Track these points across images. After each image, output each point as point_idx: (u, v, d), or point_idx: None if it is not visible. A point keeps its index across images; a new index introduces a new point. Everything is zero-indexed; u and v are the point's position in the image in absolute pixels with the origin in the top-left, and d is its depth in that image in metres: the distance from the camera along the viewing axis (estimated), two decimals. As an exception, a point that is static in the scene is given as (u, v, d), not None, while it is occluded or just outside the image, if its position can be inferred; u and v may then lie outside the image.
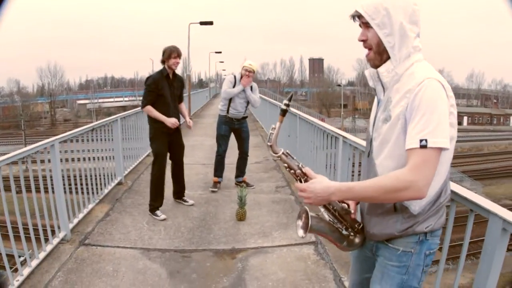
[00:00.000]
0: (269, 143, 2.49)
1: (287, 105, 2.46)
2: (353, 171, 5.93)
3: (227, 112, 8.79)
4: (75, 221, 6.58)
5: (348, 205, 2.57)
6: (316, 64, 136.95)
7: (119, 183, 9.05)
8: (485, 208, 2.65)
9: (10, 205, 4.74)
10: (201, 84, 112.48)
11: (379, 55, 2.30)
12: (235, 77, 8.77)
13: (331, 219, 2.55)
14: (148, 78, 7.14)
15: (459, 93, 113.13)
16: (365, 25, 2.29)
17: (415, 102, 2.11)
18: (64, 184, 6.16)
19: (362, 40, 2.33)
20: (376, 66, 2.34)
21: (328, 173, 7.10)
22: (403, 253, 2.36)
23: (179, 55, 7.05)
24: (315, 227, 2.45)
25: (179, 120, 7.34)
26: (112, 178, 8.75)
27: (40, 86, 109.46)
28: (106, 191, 8.20)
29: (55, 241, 5.87)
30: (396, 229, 2.33)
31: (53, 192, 5.94)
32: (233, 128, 8.96)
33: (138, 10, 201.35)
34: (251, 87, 8.84)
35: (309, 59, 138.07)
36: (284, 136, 11.61)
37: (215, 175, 9.01)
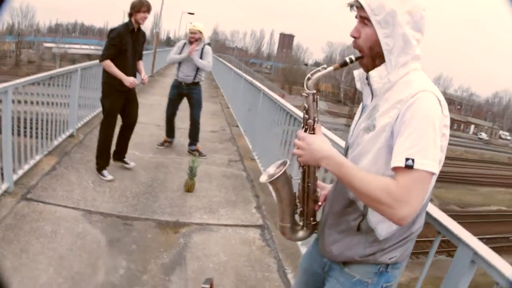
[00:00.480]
0: (310, 75, 2.13)
1: (352, 61, 2.06)
2: None
3: (177, 76, 8.72)
4: (20, 172, 6.23)
5: (318, 196, 2.34)
6: (286, 39, 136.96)
7: (71, 136, 8.68)
8: (455, 235, 2.47)
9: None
10: (169, 42, 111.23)
11: (371, 59, 2.04)
12: (185, 43, 8.71)
13: (297, 193, 2.35)
14: (112, 31, 6.69)
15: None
16: (363, 19, 2.00)
17: (406, 115, 1.85)
18: (13, 129, 5.85)
19: (354, 37, 2.06)
20: (367, 70, 2.08)
21: (283, 149, 6.98)
22: (359, 282, 2.14)
23: (148, 9, 6.62)
24: (280, 183, 2.28)
25: (135, 77, 6.94)
26: (64, 130, 8.35)
27: (10, 25, 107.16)
28: (56, 143, 7.81)
29: (-3, 193, 5.58)
30: (358, 253, 2.10)
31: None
32: (182, 93, 8.84)
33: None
34: (202, 50, 8.61)
35: (280, 34, 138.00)
36: (244, 110, 11.45)
37: (166, 135, 9.10)
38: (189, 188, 6.76)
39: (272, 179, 2.24)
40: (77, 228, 5.16)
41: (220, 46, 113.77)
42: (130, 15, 6.61)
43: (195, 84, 8.76)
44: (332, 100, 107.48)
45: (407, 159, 1.80)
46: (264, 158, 8.26)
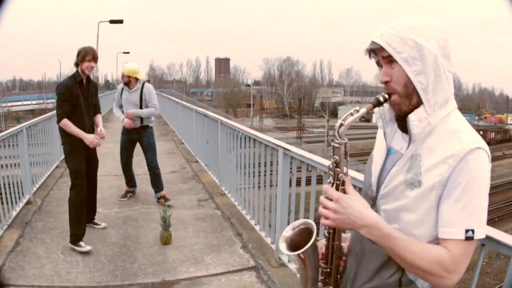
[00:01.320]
0: (342, 121, 1.79)
1: (385, 99, 1.79)
2: (290, 181, 5.39)
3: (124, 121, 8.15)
4: None
5: (344, 252, 2.05)
6: (223, 64, 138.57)
7: (28, 202, 8.07)
8: (504, 244, 2.38)
9: None
10: (108, 85, 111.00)
11: (407, 98, 1.76)
12: (122, 88, 8.32)
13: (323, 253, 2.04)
14: (59, 86, 6.21)
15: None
16: (388, 60, 1.75)
17: (460, 178, 1.63)
18: None
19: (385, 82, 1.78)
20: (402, 111, 1.79)
21: (240, 173, 6.93)
22: None
23: (94, 58, 6.19)
24: (309, 254, 1.97)
25: (93, 132, 6.48)
26: (20, 197, 7.76)
27: None
28: (14, 213, 7.24)
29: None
30: None
31: None
32: (133, 138, 8.33)
33: (42, 9, 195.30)
34: (142, 90, 8.16)
35: (215, 59, 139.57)
36: (201, 143, 11.06)
37: (126, 184, 8.61)
38: (166, 240, 6.31)
39: (301, 251, 1.93)
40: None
41: (158, 81, 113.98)
42: (76, 65, 6.18)
43: (145, 128, 8.27)
44: (278, 115, 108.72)
45: (467, 231, 1.64)
46: (234, 191, 7.85)
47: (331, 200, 1.75)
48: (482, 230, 1.64)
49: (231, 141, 7.84)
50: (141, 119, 8.10)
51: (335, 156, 1.82)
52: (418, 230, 1.72)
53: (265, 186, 6.32)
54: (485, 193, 1.63)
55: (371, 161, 1.99)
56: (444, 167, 1.64)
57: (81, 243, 6.13)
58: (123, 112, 8.17)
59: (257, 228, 6.48)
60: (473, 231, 1.62)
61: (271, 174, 5.99)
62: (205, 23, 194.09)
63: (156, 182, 8.32)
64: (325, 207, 1.76)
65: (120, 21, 27.88)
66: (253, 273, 5.40)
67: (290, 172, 5.42)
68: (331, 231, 1.93)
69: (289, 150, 5.33)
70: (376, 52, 1.76)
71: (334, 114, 79.84)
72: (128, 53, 46.56)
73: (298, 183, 5.25)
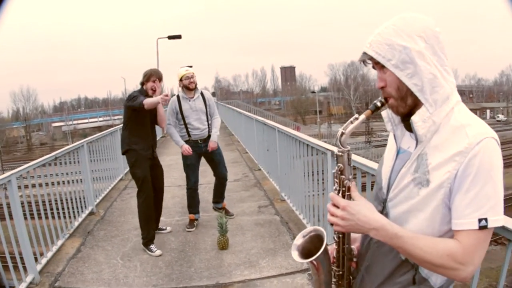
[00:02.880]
0: (343, 130, 1.89)
1: (382, 103, 1.87)
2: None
3: (188, 135, 7.46)
4: (44, 261, 5.98)
5: (354, 253, 2.07)
6: (288, 72, 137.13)
7: (91, 213, 8.41)
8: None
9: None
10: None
11: (402, 101, 1.81)
12: (178, 96, 7.55)
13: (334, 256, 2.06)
14: (129, 95, 6.57)
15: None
16: (380, 66, 1.80)
17: (469, 169, 1.62)
18: (26, 217, 5.64)
19: (381, 87, 1.84)
20: (400, 113, 1.85)
21: (309, 182, 6.73)
22: None
23: (158, 78, 6.57)
24: (321, 260, 2.00)
25: (156, 144, 6.92)
26: (83, 208, 8.11)
27: (14, 111, 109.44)
28: (76, 223, 7.56)
29: (22, 286, 5.28)
30: None
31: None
32: (201, 152, 7.60)
33: (104, 28, 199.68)
34: (203, 96, 7.59)
35: (281, 68, 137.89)
36: (263, 151, 11.15)
37: (190, 211, 7.67)
38: (223, 245, 6.44)
39: (313, 258, 1.96)
40: (112, 312, 4.82)
41: (225, 93, 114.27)
42: (142, 84, 6.61)
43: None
44: (346, 121, 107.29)
45: (480, 220, 1.62)
46: (294, 196, 7.89)
47: (338, 207, 1.80)
48: (497, 219, 1.62)
49: (289, 148, 7.87)
50: (208, 125, 7.55)
51: (339, 164, 1.88)
52: (427, 228, 1.74)
53: (323, 192, 6.34)
54: (498, 180, 1.62)
55: (382, 163, 2.03)
56: (452, 164, 1.66)
57: (152, 246, 6.45)
58: (184, 124, 7.45)
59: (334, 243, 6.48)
60: (486, 219, 1.60)
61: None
62: (267, 33, 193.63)
63: (220, 192, 8.08)
64: (333, 215, 1.82)
65: (178, 37, 27.81)
66: (305, 275, 5.41)
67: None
68: (340, 235, 1.97)
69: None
70: (369, 59, 1.81)
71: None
72: (191, 66, 46.87)
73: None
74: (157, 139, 7.06)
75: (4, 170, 56.17)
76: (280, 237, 6.81)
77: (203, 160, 7.78)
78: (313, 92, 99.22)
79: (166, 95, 6.40)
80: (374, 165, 4.62)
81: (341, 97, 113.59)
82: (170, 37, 27.41)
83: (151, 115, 6.64)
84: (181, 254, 6.35)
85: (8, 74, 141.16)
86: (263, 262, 5.91)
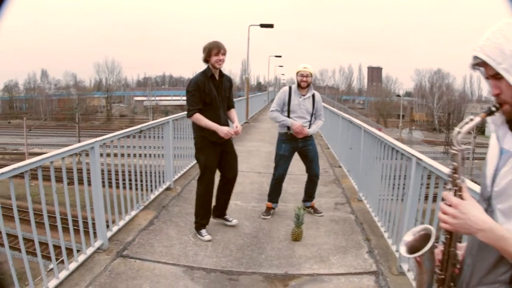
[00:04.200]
0: (459, 129, 1.90)
1: (497, 108, 1.84)
2: (426, 196, 5.17)
3: (288, 128, 7.34)
4: (115, 229, 6.16)
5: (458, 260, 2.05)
6: (375, 72, 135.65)
7: (168, 189, 8.58)
8: None
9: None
10: (259, 87, 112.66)
11: None
12: (290, 88, 7.44)
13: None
14: (190, 82, 6.34)
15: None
16: (492, 74, 1.75)
17: None
18: (104, 185, 5.85)
19: (496, 95, 1.80)
20: None
21: (385, 185, 6.63)
22: None
23: (220, 51, 6.16)
24: (426, 258, 2.00)
25: (228, 127, 6.48)
26: (160, 183, 8.26)
27: (97, 81, 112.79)
28: (152, 196, 7.72)
29: (90, 250, 5.45)
30: None
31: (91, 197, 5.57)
32: (297, 147, 7.48)
33: (197, 12, 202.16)
34: (314, 98, 7.47)
35: (368, 68, 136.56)
36: (345, 149, 11.03)
37: (269, 200, 7.65)
38: (296, 237, 6.41)
39: (418, 254, 1.97)
40: (177, 286, 4.93)
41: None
42: (206, 61, 6.24)
43: (310, 136, 7.57)
44: (427, 128, 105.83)
45: None
46: (371, 197, 7.79)
47: (450, 206, 1.80)
48: None
49: (372, 149, 7.73)
50: (309, 124, 7.43)
51: (453, 163, 1.89)
52: None
53: (402, 198, 6.13)
54: None
55: (485, 164, 1.99)
56: None
57: (203, 231, 6.38)
58: (288, 115, 7.36)
59: (386, 235, 6.42)
60: None
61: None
62: (357, 31, 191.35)
63: (312, 191, 7.88)
64: (444, 213, 1.81)
65: (271, 26, 27.74)
66: (373, 277, 5.35)
67: (427, 186, 5.24)
68: (448, 236, 1.96)
69: (422, 160, 5.15)
70: (481, 65, 1.78)
71: (481, 131, 76.29)
72: (280, 56, 46.74)
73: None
74: (239, 124, 6.65)
75: (81, 137, 57.67)
76: (353, 236, 6.72)
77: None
78: (398, 95, 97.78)
79: (237, 132, 6.42)
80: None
81: (425, 104, 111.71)
82: (262, 25, 27.46)
83: (221, 98, 6.36)
84: (253, 240, 6.37)
85: (93, 46, 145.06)
86: (333, 259, 5.85)
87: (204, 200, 6.45)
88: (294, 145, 7.44)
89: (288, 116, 7.32)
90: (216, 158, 6.45)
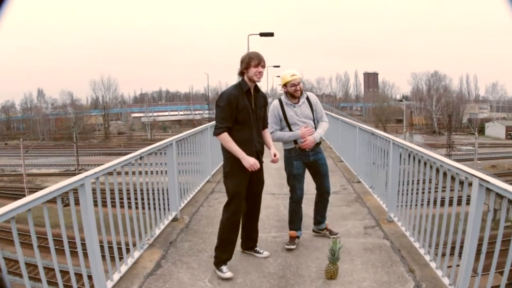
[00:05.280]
0: None
1: None
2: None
3: (295, 142, 6.64)
4: (116, 277, 5.24)
5: None
6: (371, 78, 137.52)
7: (174, 219, 7.64)
8: None
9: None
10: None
11: None
12: (280, 101, 6.72)
13: None
14: (221, 95, 5.61)
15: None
16: None
17: None
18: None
19: None
20: None
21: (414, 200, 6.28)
22: None
23: (260, 63, 5.51)
24: None
25: (263, 151, 5.83)
26: (165, 213, 7.31)
27: (93, 99, 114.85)
28: (158, 231, 6.80)
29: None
30: None
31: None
32: (308, 162, 6.74)
33: (193, 25, 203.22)
34: (308, 100, 6.79)
35: (364, 74, 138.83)
36: (364, 163, 10.32)
37: (291, 228, 6.81)
38: (332, 275, 5.49)
39: None
40: None
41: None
42: (241, 73, 5.56)
43: (318, 145, 6.88)
44: (427, 131, 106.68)
45: None
46: (404, 218, 6.94)
47: None
48: None
49: (406, 165, 6.88)
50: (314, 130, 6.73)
51: None
52: None
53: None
54: None
55: None
56: None
57: (223, 267, 5.59)
58: (289, 129, 6.64)
59: (433, 265, 5.56)
60: None
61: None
62: (352, 37, 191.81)
63: (323, 210, 7.07)
64: None
65: (271, 34, 28.12)
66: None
67: (488, 209, 4.26)
68: None
69: (488, 182, 4.23)
70: None
71: (482, 132, 76.31)
72: (278, 66, 46.68)
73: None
74: (276, 152, 6.00)
75: (79, 155, 58.52)
76: (393, 267, 5.82)
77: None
78: (400, 100, 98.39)
79: (274, 161, 5.97)
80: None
81: (423, 107, 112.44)
82: (261, 34, 28.15)
83: (255, 116, 5.67)
84: (281, 282, 5.45)
85: (89, 64, 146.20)
86: (377, 300, 4.94)
87: (230, 229, 5.73)
88: (306, 159, 6.74)
89: (290, 130, 6.62)
90: (245, 183, 5.75)
